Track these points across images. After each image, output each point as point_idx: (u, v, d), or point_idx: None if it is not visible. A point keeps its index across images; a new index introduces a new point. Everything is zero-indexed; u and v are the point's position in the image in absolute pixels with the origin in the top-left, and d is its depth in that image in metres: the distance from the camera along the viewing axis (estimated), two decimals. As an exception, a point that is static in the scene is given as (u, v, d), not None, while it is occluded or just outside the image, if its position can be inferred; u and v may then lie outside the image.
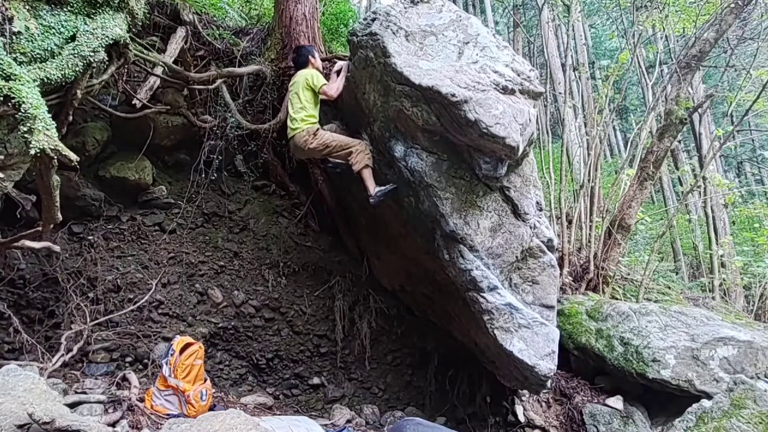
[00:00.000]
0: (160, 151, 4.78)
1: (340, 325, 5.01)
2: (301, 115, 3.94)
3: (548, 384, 3.81)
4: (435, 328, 5.02)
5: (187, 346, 3.50)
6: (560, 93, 8.69)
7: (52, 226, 3.05)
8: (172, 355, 3.43)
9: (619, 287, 5.89)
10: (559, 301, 4.52)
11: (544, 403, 4.53)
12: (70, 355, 3.59)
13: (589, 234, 5.77)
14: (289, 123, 4.06)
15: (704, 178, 7.33)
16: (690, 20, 6.36)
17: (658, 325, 4.09)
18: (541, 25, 8.54)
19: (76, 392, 3.31)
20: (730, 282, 7.30)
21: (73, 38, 3.00)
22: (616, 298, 5.58)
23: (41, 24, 2.89)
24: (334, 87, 3.98)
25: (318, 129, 3.96)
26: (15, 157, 2.96)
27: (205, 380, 3.58)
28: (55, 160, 2.55)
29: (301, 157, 4.34)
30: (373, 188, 3.78)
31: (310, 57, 4.22)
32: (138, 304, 4.15)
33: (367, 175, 3.81)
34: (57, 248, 3.43)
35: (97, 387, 3.47)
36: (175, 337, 3.88)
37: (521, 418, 4.35)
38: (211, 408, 3.44)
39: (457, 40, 3.67)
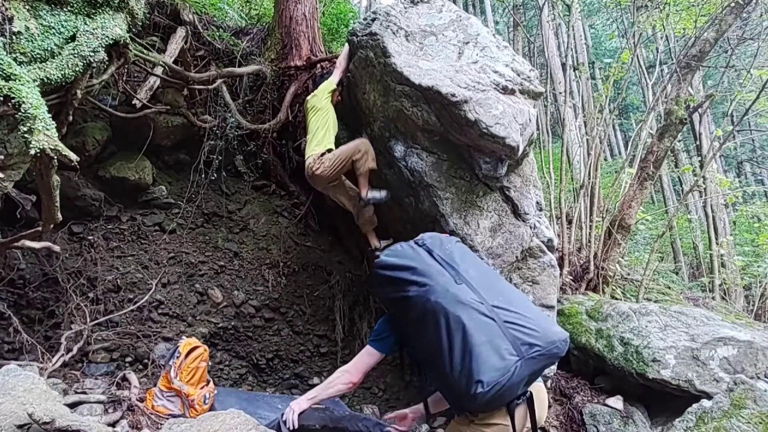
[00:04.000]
0: (160, 151, 4.78)
1: (340, 325, 5.00)
2: (312, 143, 3.82)
3: (548, 384, 3.81)
4: (435, 328, 5.01)
5: (194, 349, 3.50)
6: (560, 93, 8.69)
7: (52, 226, 3.04)
8: (177, 357, 3.43)
9: (619, 287, 5.89)
10: (559, 301, 4.51)
11: (544, 403, 4.51)
12: (70, 355, 3.59)
13: (589, 234, 5.77)
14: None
15: (704, 178, 7.33)
16: (690, 20, 6.36)
17: (658, 325, 4.09)
18: (541, 25, 8.54)
19: (76, 392, 3.31)
20: (730, 282, 7.30)
21: (73, 38, 3.00)
22: (616, 298, 5.58)
23: (41, 24, 2.90)
24: (336, 74, 4.01)
25: (323, 153, 3.77)
26: (15, 157, 2.97)
27: (208, 382, 3.58)
28: (55, 160, 2.55)
29: (320, 189, 4.05)
30: (366, 192, 3.74)
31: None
32: (138, 304, 4.15)
33: (364, 179, 3.76)
34: (57, 248, 3.43)
35: (97, 387, 3.47)
36: (181, 338, 3.88)
37: (521, 418, 4.34)
38: (212, 408, 3.44)
39: (457, 40, 3.67)
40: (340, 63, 4.10)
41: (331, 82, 4.03)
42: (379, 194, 3.77)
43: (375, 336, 2.09)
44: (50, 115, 2.58)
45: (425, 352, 1.86)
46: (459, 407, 1.86)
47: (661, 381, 3.76)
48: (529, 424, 1.81)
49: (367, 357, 2.09)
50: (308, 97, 4.12)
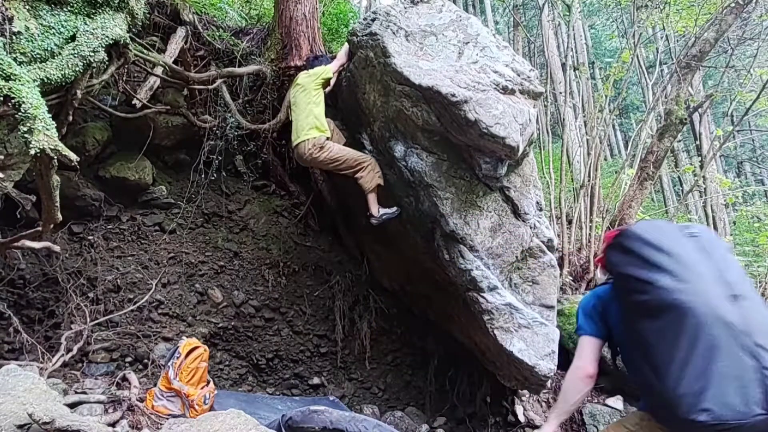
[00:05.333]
0: (160, 151, 4.78)
1: (340, 325, 5.01)
2: (309, 123, 3.76)
3: (548, 384, 3.81)
4: (435, 328, 5.02)
5: (194, 349, 3.50)
6: (560, 93, 8.69)
7: (52, 226, 3.05)
8: (177, 357, 3.43)
9: (619, 287, 5.87)
10: (559, 301, 4.51)
11: (544, 403, 4.53)
12: (70, 355, 3.59)
13: (589, 234, 5.77)
14: (294, 129, 3.89)
15: (704, 178, 7.33)
16: (690, 20, 6.36)
17: (658, 325, 4.09)
18: (541, 25, 8.55)
19: (76, 392, 3.31)
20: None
21: (73, 38, 3.00)
22: (616, 298, 5.56)
23: (41, 24, 2.90)
24: (335, 64, 4.04)
25: (326, 141, 3.76)
26: (15, 157, 2.97)
27: (208, 382, 3.58)
28: (55, 160, 2.55)
29: (305, 165, 4.12)
30: (376, 209, 3.74)
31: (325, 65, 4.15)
32: (138, 304, 4.15)
33: (373, 198, 3.76)
34: (57, 248, 3.43)
35: (97, 387, 3.47)
36: (181, 338, 3.88)
37: (521, 418, 4.35)
38: (212, 409, 3.44)
39: (457, 40, 3.66)
40: (340, 56, 4.10)
41: (328, 70, 3.98)
42: (390, 211, 3.77)
43: (585, 323, 1.91)
44: (50, 115, 2.58)
45: (641, 347, 1.63)
46: (659, 413, 1.67)
47: (661, 381, 3.76)
48: None
49: (588, 346, 1.88)
50: (300, 74, 4.08)
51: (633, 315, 1.68)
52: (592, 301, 1.95)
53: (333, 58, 4.60)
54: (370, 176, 3.72)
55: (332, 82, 4.14)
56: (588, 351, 1.86)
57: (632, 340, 1.71)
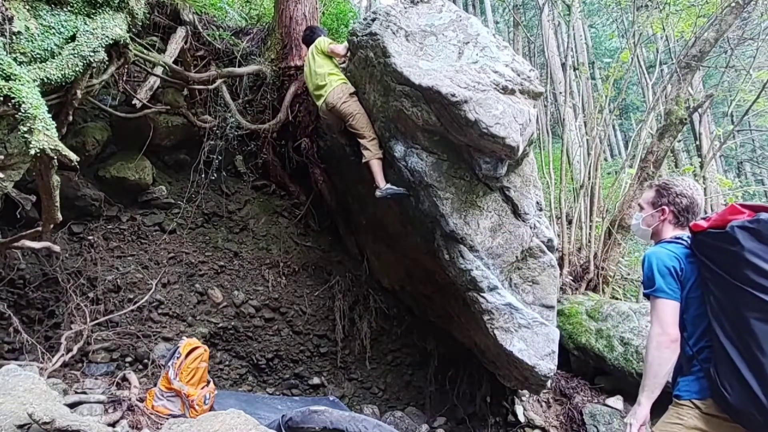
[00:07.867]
0: (160, 151, 4.78)
1: (340, 325, 5.00)
2: (332, 77, 3.92)
3: (548, 384, 3.81)
4: (435, 328, 5.02)
5: (194, 349, 3.50)
6: (560, 93, 8.69)
7: (52, 226, 3.05)
8: (178, 358, 3.43)
9: (619, 287, 5.89)
10: (559, 301, 4.52)
11: (544, 403, 4.53)
12: (70, 355, 3.59)
13: (589, 234, 5.77)
14: (316, 91, 4.02)
15: (704, 178, 7.33)
16: (690, 20, 6.36)
17: (658, 325, 4.09)
18: (541, 25, 8.55)
19: (76, 392, 3.32)
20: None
21: (73, 38, 3.01)
22: (616, 298, 5.59)
23: (41, 24, 2.90)
24: (341, 46, 4.05)
25: (355, 91, 3.91)
26: (15, 157, 2.97)
27: (208, 382, 3.58)
28: (55, 160, 2.56)
29: (327, 119, 4.16)
30: (383, 183, 3.72)
31: (316, 35, 4.25)
32: (138, 304, 4.15)
33: (378, 168, 3.76)
34: (57, 248, 3.43)
35: (97, 387, 3.47)
36: (181, 338, 3.88)
37: (521, 418, 4.35)
38: (212, 409, 3.44)
39: (457, 40, 3.66)
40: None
41: (325, 41, 4.09)
42: (397, 188, 3.73)
43: (666, 285, 1.87)
44: (50, 115, 2.59)
45: (741, 338, 1.67)
46: (734, 408, 1.69)
47: (661, 381, 3.76)
48: None
49: (671, 310, 1.86)
50: (308, 55, 4.20)
51: (743, 305, 1.67)
52: (672, 262, 1.89)
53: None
54: (375, 149, 3.78)
55: (341, 60, 4.18)
56: (671, 315, 1.83)
57: (728, 323, 1.71)
